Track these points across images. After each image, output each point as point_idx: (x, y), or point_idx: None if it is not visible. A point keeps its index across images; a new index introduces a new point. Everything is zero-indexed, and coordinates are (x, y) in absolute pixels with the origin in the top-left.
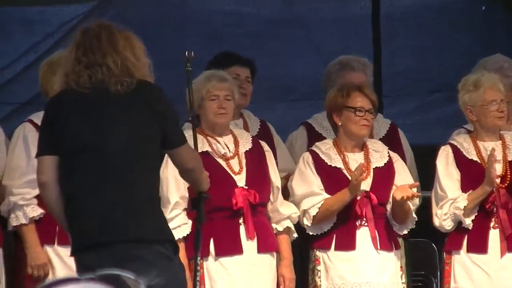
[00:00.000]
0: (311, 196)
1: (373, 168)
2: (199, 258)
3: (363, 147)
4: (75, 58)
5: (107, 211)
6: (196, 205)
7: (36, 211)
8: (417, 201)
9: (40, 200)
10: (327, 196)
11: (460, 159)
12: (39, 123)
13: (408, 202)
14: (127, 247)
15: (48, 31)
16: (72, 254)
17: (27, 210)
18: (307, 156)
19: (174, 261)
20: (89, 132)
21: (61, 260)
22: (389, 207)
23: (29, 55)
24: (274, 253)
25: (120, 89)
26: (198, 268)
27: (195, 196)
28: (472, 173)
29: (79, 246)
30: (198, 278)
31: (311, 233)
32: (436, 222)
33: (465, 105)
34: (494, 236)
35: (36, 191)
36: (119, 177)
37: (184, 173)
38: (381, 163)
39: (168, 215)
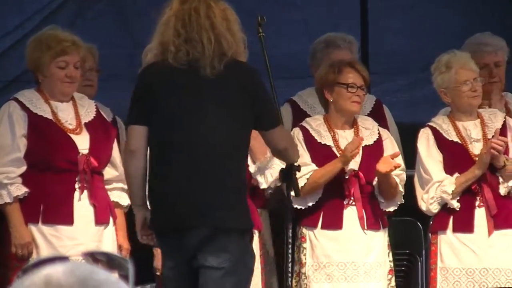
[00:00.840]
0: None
1: (363, 147)
2: (290, 230)
3: (353, 124)
4: (174, 29)
5: (196, 197)
6: (286, 177)
7: (20, 190)
8: (404, 176)
9: (25, 179)
10: (315, 167)
11: (441, 140)
12: (25, 102)
13: (394, 176)
14: (208, 232)
15: (36, 8)
16: (155, 230)
17: (11, 188)
18: (298, 132)
19: (248, 250)
20: (181, 112)
21: (45, 239)
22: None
23: (17, 32)
24: (256, 231)
25: (210, 73)
26: (290, 240)
27: (286, 168)
28: (454, 154)
29: (165, 227)
30: (290, 251)
31: (295, 206)
32: (423, 206)
33: (439, 87)
34: (479, 215)
35: (21, 170)
36: (209, 162)
37: (275, 152)
38: (370, 141)
39: None
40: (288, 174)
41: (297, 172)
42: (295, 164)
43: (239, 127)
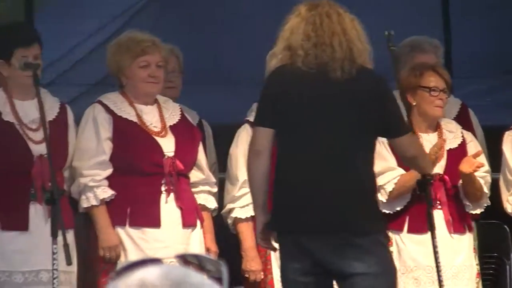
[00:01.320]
0: (387, 171)
1: (447, 150)
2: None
3: (437, 127)
4: (304, 34)
5: (330, 199)
6: (422, 188)
7: (106, 193)
8: (489, 178)
9: (111, 181)
10: (403, 171)
11: None
12: (109, 104)
13: (478, 178)
14: (347, 236)
15: (117, 11)
16: (281, 230)
17: (97, 191)
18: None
19: (388, 249)
20: (311, 114)
21: (132, 242)
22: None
23: (98, 36)
24: None
25: (340, 76)
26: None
27: (420, 179)
28: None
29: (295, 228)
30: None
31: (383, 211)
32: (509, 208)
33: None
34: None
35: (107, 173)
36: (340, 165)
37: (405, 160)
38: (454, 144)
39: (236, 193)
40: (423, 185)
41: (431, 183)
42: (428, 175)
43: (368, 131)
